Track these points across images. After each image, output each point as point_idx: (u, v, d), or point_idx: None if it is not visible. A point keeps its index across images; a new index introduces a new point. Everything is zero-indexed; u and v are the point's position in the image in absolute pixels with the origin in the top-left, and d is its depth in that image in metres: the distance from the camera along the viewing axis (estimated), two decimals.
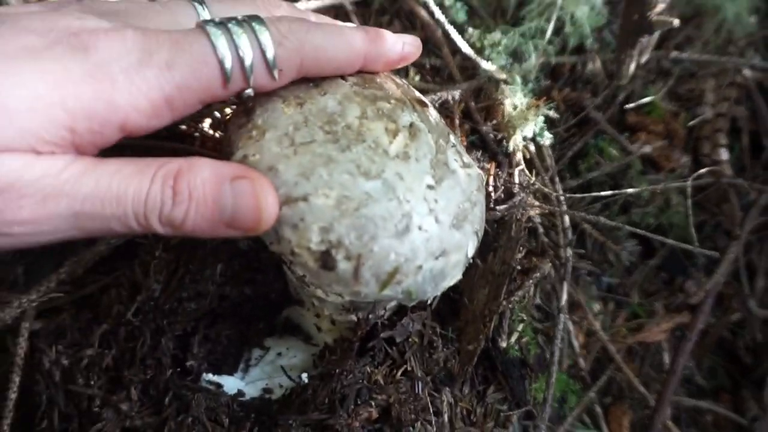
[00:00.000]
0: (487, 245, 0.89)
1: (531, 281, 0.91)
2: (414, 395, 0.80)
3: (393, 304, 0.88)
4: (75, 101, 0.55)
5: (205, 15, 0.71)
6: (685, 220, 1.18)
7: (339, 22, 0.82)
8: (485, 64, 1.08)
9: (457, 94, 1.10)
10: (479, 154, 1.03)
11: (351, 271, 0.63)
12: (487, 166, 0.97)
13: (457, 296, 0.91)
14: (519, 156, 1.04)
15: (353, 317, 0.83)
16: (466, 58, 1.12)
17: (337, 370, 0.75)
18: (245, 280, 0.85)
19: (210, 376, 0.80)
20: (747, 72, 1.22)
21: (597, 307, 1.20)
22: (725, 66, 1.20)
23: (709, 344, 1.26)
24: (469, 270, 0.90)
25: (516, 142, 1.04)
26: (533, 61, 1.13)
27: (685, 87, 1.26)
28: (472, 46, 1.10)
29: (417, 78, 1.17)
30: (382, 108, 0.69)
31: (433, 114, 0.79)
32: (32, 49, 0.55)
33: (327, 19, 0.84)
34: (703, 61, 1.18)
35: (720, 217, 1.25)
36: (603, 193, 1.04)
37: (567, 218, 1.01)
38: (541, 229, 1.04)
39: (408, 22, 1.22)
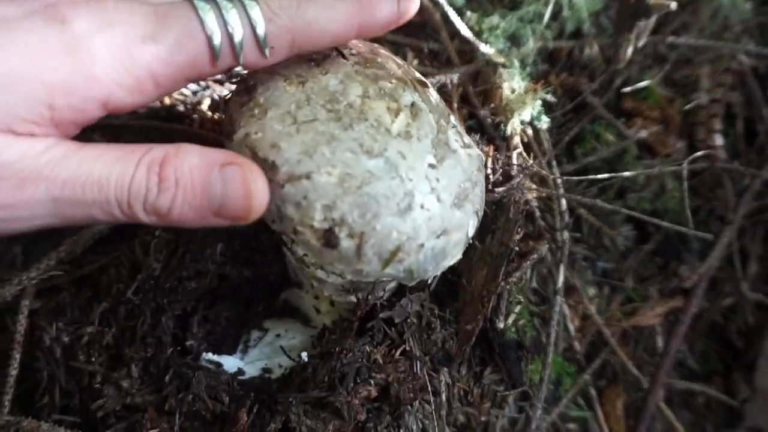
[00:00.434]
0: (485, 227, 0.89)
1: (528, 263, 0.91)
2: (412, 374, 0.81)
3: (392, 285, 0.89)
4: (53, 75, 0.52)
5: None
6: (680, 205, 1.19)
7: None
8: (484, 48, 1.08)
9: (455, 77, 1.10)
10: (477, 137, 1.03)
11: (354, 249, 0.63)
12: (486, 149, 0.97)
13: (455, 278, 0.92)
14: (517, 140, 1.04)
15: (352, 298, 0.83)
16: (464, 41, 1.12)
17: (337, 349, 0.76)
18: (244, 261, 0.85)
19: (210, 356, 0.81)
20: (742, 58, 1.23)
21: (592, 291, 1.21)
22: (721, 52, 1.20)
23: (702, 328, 1.27)
24: (468, 251, 0.91)
25: (514, 125, 1.04)
26: (531, 45, 1.13)
27: (680, 73, 1.27)
28: (470, 29, 1.10)
29: (415, 62, 1.17)
30: (383, 87, 0.69)
31: (433, 94, 0.79)
32: (7, 19, 0.53)
33: None
34: (699, 46, 1.18)
35: (714, 203, 1.26)
36: (599, 176, 1.04)
37: (564, 201, 1.02)
38: (537, 213, 1.05)
39: None
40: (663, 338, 1.21)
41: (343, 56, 0.72)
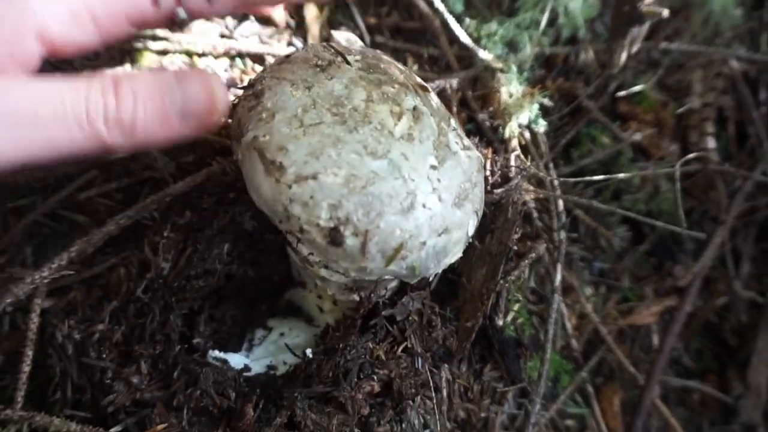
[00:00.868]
0: (484, 227, 0.92)
1: (526, 262, 0.94)
2: (414, 370, 0.83)
3: (394, 284, 0.91)
4: None
5: None
6: (673, 206, 1.22)
7: None
8: (482, 53, 1.11)
9: (454, 82, 1.13)
10: (476, 140, 1.05)
11: (358, 246, 0.66)
12: (484, 151, 1.00)
13: (455, 277, 0.94)
14: (515, 142, 1.07)
15: (355, 297, 0.85)
16: (463, 47, 1.15)
17: (341, 345, 0.78)
18: (250, 261, 0.87)
19: (216, 353, 0.83)
20: (733, 63, 1.26)
21: (589, 291, 1.24)
22: (712, 57, 1.24)
23: (697, 327, 1.30)
24: (468, 251, 0.93)
25: (512, 128, 1.07)
26: (528, 51, 1.16)
27: (673, 78, 1.30)
28: (469, 35, 1.13)
29: (415, 67, 1.20)
30: (386, 92, 0.72)
31: (434, 98, 0.81)
32: None
33: None
34: (691, 51, 1.21)
35: (707, 204, 1.29)
36: (595, 178, 1.07)
37: (561, 203, 1.04)
38: (535, 214, 1.07)
39: (406, 13, 1.25)
40: (658, 336, 1.24)
41: (348, 62, 0.75)
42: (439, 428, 0.87)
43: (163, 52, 1.01)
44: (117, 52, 1.01)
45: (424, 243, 0.68)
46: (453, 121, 0.80)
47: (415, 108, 0.73)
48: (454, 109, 1.13)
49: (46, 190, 0.88)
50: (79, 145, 0.57)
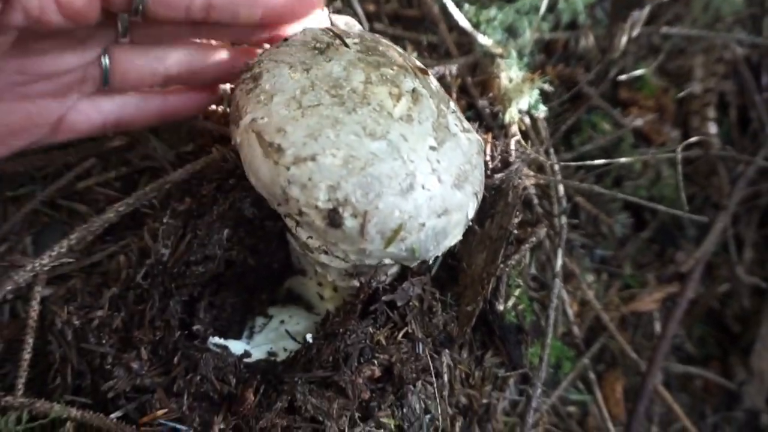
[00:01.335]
0: (484, 212, 0.91)
1: (527, 246, 0.93)
2: (415, 355, 0.82)
3: (394, 270, 0.91)
4: None
5: None
6: (675, 192, 1.21)
7: None
8: (482, 39, 1.10)
9: (454, 68, 1.12)
10: (476, 126, 1.05)
11: (357, 228, 0.65)
12: (484, 136, 0.99)
13: (455, 263, 0.94)
14: (515, 128, 1.06)
15: (355, 283, 0.85)
16: (462, 33, 1.14)
17: (341, 330, 0.78)
18: (249, 249, 0.86)
19: (216, 339, 0.82)
20: (735, 48, 1.25)
21: (590, 278, 1.23)
22: (713, 42, 1.23)
23: (699, 314, 1.30)
24: (468, 236, 0.92)
25: (512, 114, 1.06)
26: (528, 36, 1.15)
27: (674, 63, 1.29)
28: (468, 21, 1.12)
29: (414, 54, 1.19)
30: (385, 74, 0.71)
31: (433, 81, 0.81)
32: None
33: None
34: (692, 36, 1.20)
35: (709, 190, 1.28)
36: (596, 162, 1.07)
37: (561, 187, 1.04)
38: (536, 200, 1.07)
39: (405, 0, 1.24)
40: (660, 323, 1.23)
41: (346, 45, 0.74)
42: (440, 413, 0.86)
43: None
44: None
45: (423, 224, 0.67)
46: (452, 104, 0.79)
47: (414, 90, 0.72)
48: (454, 95, 1.12)
49: (45, 179, 0.88)
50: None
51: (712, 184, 1.28)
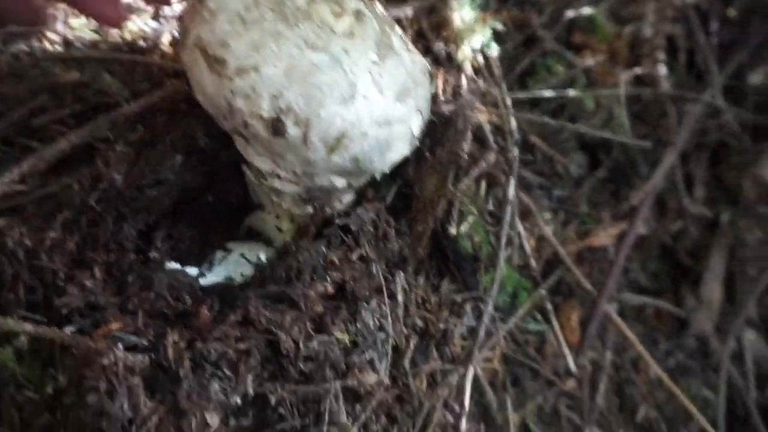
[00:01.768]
0: (435, 140, 0.94)
1: (477, 170, 0.96)
2: (368, 274, 0.85)
3: (349, 197, 0.94)
4: None
5: None
6: (627, 133, 1.26)
7: None
8: None
9: (409, 11, 1.14)
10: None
11: (300, 136, 0.68)
12: (436, 70, 1.02)
13: (409, 191, 0.97)
14: (467, 66, 1.09)
15: (310, 209, 0.88)
16: None
17: (293, 248, 0.80)
18: (205, 178, 0.88)
19: (172, 264, 0.84)
20: None
21: (548, 216, 1.27)
22: None
23: (652, 250, 1.35)
24: (420, 163, 0.96)
25: (464, 52, 1.09)
26: None
27: (627, 9, 1.32)
28: None
29: None
30: None
31: (379, 7, 0.83)
32: None
33: None
34: None
35: (660, 131, 1.32)
36: (547, 95, 1.09)
37: (513, 120, 1.07)
38: (489, 136, 1.10)
39: None
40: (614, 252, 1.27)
41: None
42: (394, 333, 0.90)
43: None
44: None
45: (365, 133, 0.70)
46: (399, 30, 0.81)
47: (358, 11, 0.74)
48: (410, 39, 1.14)
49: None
50: None
51: (662, 126, 1.32)
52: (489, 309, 0.95)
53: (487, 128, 1.10)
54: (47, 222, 0.75)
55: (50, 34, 0.97)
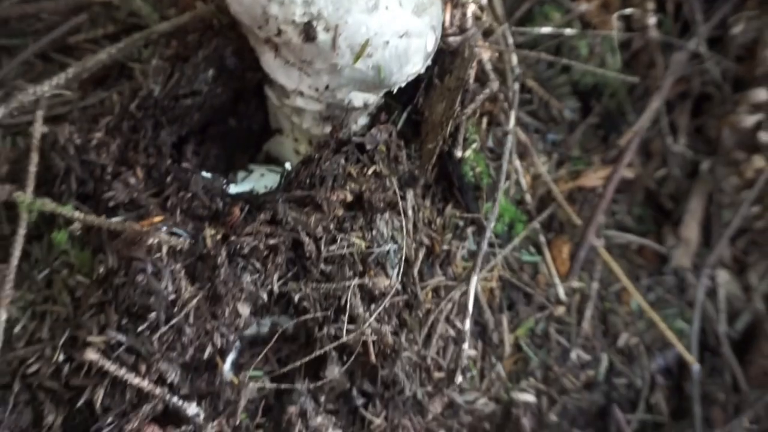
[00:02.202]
0: (443, 69, 1.02)
1: (481, 96, 1.04)
2: (383, 187, 0.93)
3: (364, 121, 1.01)
4: None
5: None
6: (618, 79, 1.35)
7: None
8: None
9: None
10: None
11: (329, 41, 0.75)
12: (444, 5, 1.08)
13: (418, 118, 1.05)
14: (472, 4, 1.16)
15: (328, 129, 0.95)
16: None
17: (316, 156, 0.88)
18: (232, 93, 0.95)
19: (204, 173, 0.91)
20: None
21: (543, 158, 1.36)
22: None
23: (638, 193, 1.44)
24: (428, 90, 1.03)
25: None
26: None
27: None
28: None
29: None
30: None
31: None
32: None
33: None
34: None
35: (648, 81, 1.41)
36: (545, 31, 1.17)
37: (514, 57, 1.14)
38: (491, 75, 1.17)
39: None
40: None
41: None
42: (404, 245, 0.98)
43: None
44: None
45: (387, 42, 0.77)
46: None
47: None
48: None
49: (36, 33, 0.94)
50: None
51: (651, 75, 1.41)
52: (488, 234, 1.03)
53: (488, 66, 1.18)
54: (92, 125, 0.82)
55: None
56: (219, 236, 0.82)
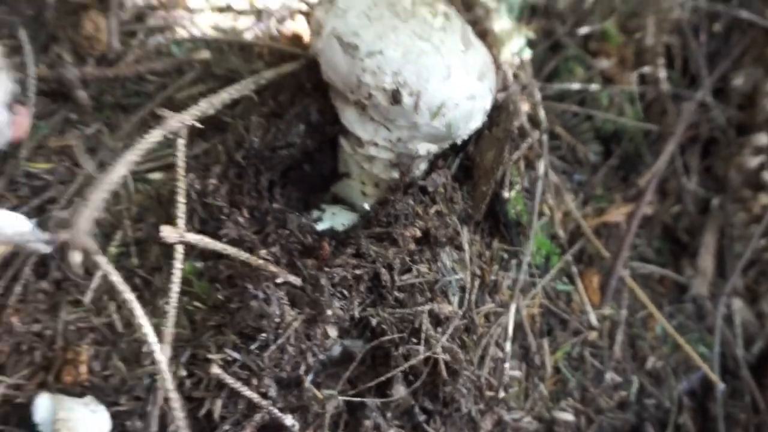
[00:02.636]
0: (491, 121, 1.17)
1: (525, 145, 1.19)
2: (444, 224, 1.07)
3: (424, 166, 1.16)
4: None
5: None
6: (636, 126, 1.51)
7: None
8: None
9: None
10: None
11: (413, 104, 0.90)
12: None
13: (469, 163, 1.19)
14: (508, 66, 1.33)
15: (395, 174, 1.10)
16: None
17: (392, 199, 1.02)
18: (316, 145, 1.10)
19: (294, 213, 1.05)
20: (679, 11, 1.56)
21: (571, 196, 1.51)
22: (662, 6, 1.53)
23: (657, 230, 1.59)
24: (479, 140, 1.19)
25: (505, 54, 1.33)
26: None
27: (633, 22, 1.59)
28: None
29: None
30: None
31: (454, 10, 1.07)
32: None
33: None
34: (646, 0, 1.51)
35: (663, 127, 1.58)
36: (576, 86, 1.34)
37: (542, 111, 1.31)
38: (527, 125, 1.33)
39: None
40: (626, 227, 1.51)
41: None
42: (463, 275, 1.11)
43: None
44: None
45: (457, 104, 0.92)
46: (469, 27, 1.05)
47: (446, 12, 0.98)
48: None
49: (147, 93, 1.09)
50: None
51: (664, 122, 1.57)
52: (524, 267, 1.17)
53: (524, 118, 1.34)
54: (206, 171, 0.96)
55: (180, 26, 1.19)
56: (314, 269, 0.95)
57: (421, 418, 1.11)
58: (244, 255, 0.85)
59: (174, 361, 0.89)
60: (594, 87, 1.39)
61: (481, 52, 0.99)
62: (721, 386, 1.37)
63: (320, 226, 1.09)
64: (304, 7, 1.24)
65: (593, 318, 1.39)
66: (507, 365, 1.18)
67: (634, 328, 1.46)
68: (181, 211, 0.84)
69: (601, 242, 1.49)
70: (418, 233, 1.04)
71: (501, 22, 1.37)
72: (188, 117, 0.84)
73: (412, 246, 1.02)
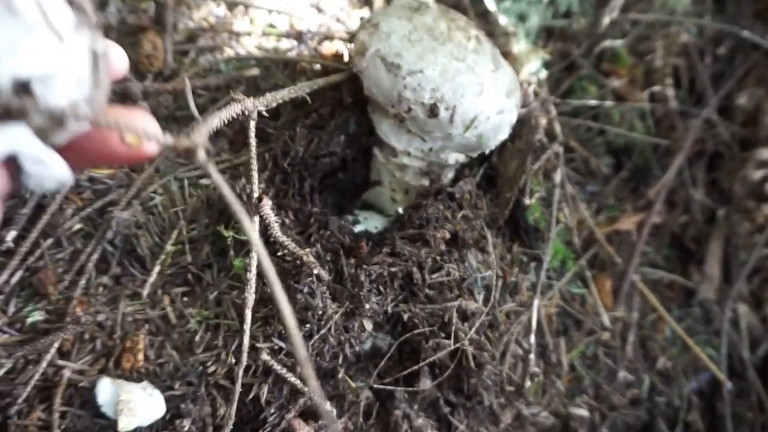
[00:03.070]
0: (514, 134, 1.26)
1: (545, 156, 1.29)
2: (471, 228, 1.16)
3: (451, 174, 1.25)
4: None
5: None
6: (646, 140, 1.61)
7: None
8: (502, 20, 1.48)
9: None
10: None
11: (448, 117, 1.00)
12: None
13: (492, 172, 1.29)
14: (527, 84, 1.43)
15: (425, 182, 1.19)
16: (483, 19, 1.51)
17: (424, 203, 1.11)
18: (353, 155, 1.19)
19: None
20: (685, 35, 1.66)
21: (584, 205, 1.60)
22: (670, 29, 1.64)
23: (665, 238, 1.67)
24: (502, 151, 1.28)
25: (524, 74, 1.43)
26: (534, 21, 1.53)
27: (642, 45, 1.69)
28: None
29: None
30: (459, 25, 1.07)
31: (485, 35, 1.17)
32: None
33: None
34: (654, 23, 1.61)
35: (671, 142, 1.67)
36: (589, 102, 1.44)
37: (558, 126, 1.40)
38: (545, 138, 1.43)
39: None
40: (636, 235, 1.60)
41: (429, 6, 1.10)
42: (488, 276, 1.20)
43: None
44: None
45: (488, 117, 1.02)
46: (497, 50, 1.15)
47: (477, 36, 1.08)
48: None
49: (203, 106, 1.19)
50: None
51: (672, 137, 1.67)
52: (544, 269, 1.26)
53: (542, 132, 1.44)
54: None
55: (228, 46, 1.30)
56: (353, 266, 1.04)
57: (446, 410, 1.19)
58: (300, 251, 0.94)
59: (224, 349, 0.98)
60: (607, 104, 1.49)
61: (508, 72, 1.09)
62: (728, 386, 1.45)
63: (356, 229, 1.18)
64: (342, 28, 1.35)
65: (606, 319, 1.47)
66: (532, 357, 1.26)
67: (644, 330, 1.55)
68: (255, 186, 0.93)
69: (614, 249, 1.58)
70: (448, 235, 1.13)
71: (519, 45, 1.47)
72: (258, 102, 0.93)
73: (443, 247, 1.11)
